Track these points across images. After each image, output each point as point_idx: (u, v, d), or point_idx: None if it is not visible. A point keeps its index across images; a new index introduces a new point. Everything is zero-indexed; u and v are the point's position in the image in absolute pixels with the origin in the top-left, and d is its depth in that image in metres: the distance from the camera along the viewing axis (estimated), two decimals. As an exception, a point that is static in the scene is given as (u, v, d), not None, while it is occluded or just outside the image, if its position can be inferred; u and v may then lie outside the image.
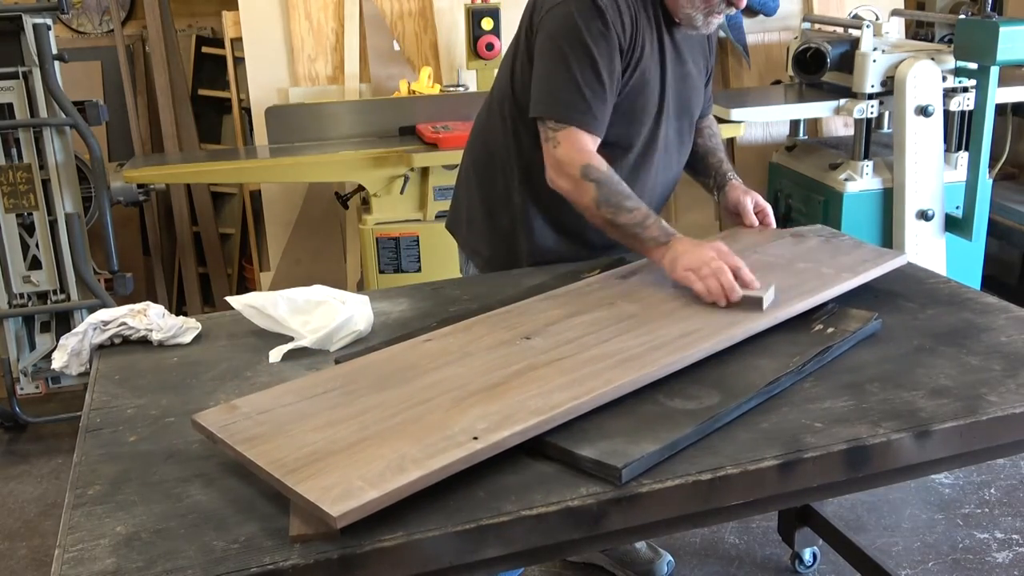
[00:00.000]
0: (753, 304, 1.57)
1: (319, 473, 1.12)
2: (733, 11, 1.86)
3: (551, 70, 1.80)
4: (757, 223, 2.02)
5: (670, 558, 2.39)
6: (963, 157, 3.33)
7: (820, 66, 3.38)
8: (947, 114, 3.28)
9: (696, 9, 1.83)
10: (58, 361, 1.62)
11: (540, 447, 1.23)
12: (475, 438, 1.19)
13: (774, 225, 2.04)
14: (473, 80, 3.59)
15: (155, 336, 1.67)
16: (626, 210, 1.75)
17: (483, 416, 1.24)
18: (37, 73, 3.03)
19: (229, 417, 1.27)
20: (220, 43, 3.98)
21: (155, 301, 1.69)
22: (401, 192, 3.09)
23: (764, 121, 3.91)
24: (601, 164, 1.78)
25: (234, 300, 1.71)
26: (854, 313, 1.62)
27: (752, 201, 2.03)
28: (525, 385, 1.33)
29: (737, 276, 1.60)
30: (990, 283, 3.71)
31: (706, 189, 2.16)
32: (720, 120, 3.28)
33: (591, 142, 1.80)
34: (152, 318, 1.67)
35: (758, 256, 1.82)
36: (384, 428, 1.22)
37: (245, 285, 4.14)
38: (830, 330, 1.56)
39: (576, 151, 1.78)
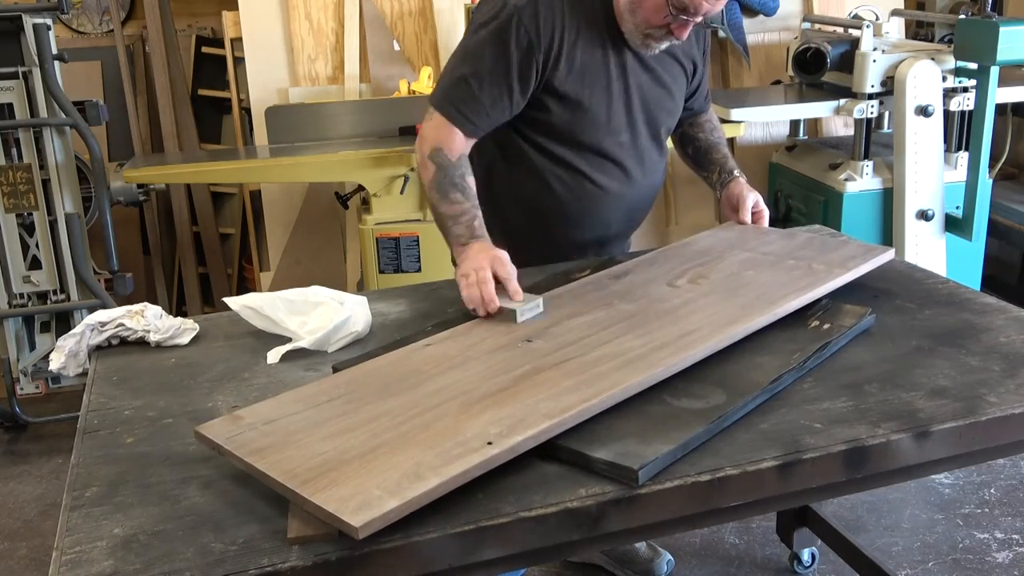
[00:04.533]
0: (507, 316, 1.57)
1: (334, 483, 1.11)
2: (676, 41, 1.84)
3: (452, 63, 1.85)
4: (749, 220, 2.03)
5: (669, 557, 2.39)
6: (963, 157, 3.33)
7: (820, 66, 3.38)
8: (947, 114, 3.28)
9: (636, 34, 1.82)
10: (56, 362, 1.62)
11: (551, 450, 1.23)
12: (490, 443, 1.18)
13: (766, 226, 2.04)
14: (473, 80, 3.58)
15: (153, 337, 1.67)
16: (449, 200, 1.77)
17: (495, 421, 1.24)
18: (37, 73, 3.03)
19: (234, 428, 1.26)
20: (220, 43, 3.98)
21: (155, 301, 1.69)
22: (401, 192, 3.10)
23: (764, 121, 3.90)
24: (452, 153, 1.79)
25: (232, 301, 1.71)
26: (848, 308, 1.63)
27: (753, 198, 2.04)
28: (533, 388, 1.32)
29: (505, 287, 1.62)
30: (990, 283, 3.71)
31: (708, 184, 2.16)
32: (720, 120, 3.28)
33: (457, 135, 1.80)
34: (150, 319, 1.67)
35: (748, 254, 1.83)
36: (395, 436, 1.22)
37: (245, 285, 4.14)
38: (826, 326, 1.57)
39: (437, 132, 1.80)
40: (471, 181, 1.80)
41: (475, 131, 1.83)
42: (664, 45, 1.86)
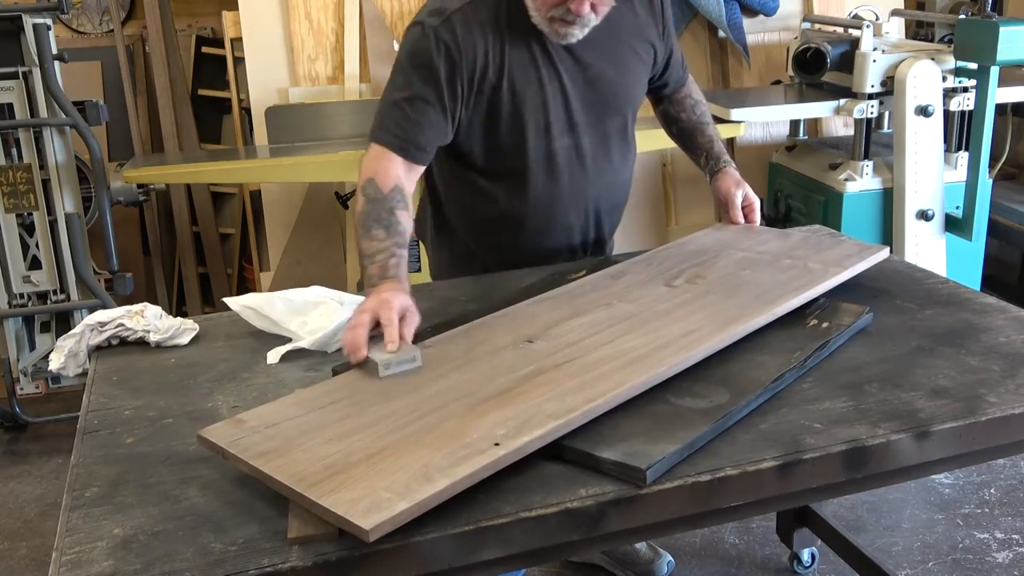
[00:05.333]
0: (371, 368, 1.41)
1: (342, 486, 1.11)
2: (578, 20, 1.73)
3: (385, 89, 1.82)
4: (742, 220, 2.01)
5: (670, 558, 2.39)
6: (963, 157, 3.33)
7: (820, 66, 3.38)
8: (947, 114, 3.28)
9: (544, 23, 1.75)
10: (55, 362, 1.62)
11: (557, 450, 1.23)
12: (497, 444, 1.18)
13: (759, 220, 2.02)
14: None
15: (152, 337, 1.66)
16: (369, 237, 1.65)
17: (501, 422, 1.23)
18: (37, 73, 3.04)
19: (237, 432, 1.25)
20: (220, 43, 3.98)
21: (155, 301, 1.69)
22: (401, 192, 3.09)
23: (764, 121, 3.90)
24: (384, 184, 1.69)
25: (231, 301, 1.71)
26: (846, 307, 1.63)
27: (742, 193, 2.01)
28: (536, 389, 1.32)
29: (384, 335, 1.44)
30: (990, 283, 3.71)
31: (697, 166, 2.14)
32: (720, 120, 3.28)
33: (395, 163, 1.73)
34: (149, 319, 1.67)
35: (744, 254, 1.83)
36: (400, 438, 1.21)
37: (245, 285, 4.14)
38: (825, 324, 1.57)
39: (372, 162, 1.74)
40: (402, 215, 1.68)
41: (416, 155, 1.76)
42: (576, 29, 1.75)
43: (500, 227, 1.97)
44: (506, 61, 1.79)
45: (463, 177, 1.94)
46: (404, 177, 1.74)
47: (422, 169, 1.80)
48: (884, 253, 1.85)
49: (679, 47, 2.12)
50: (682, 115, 2.14)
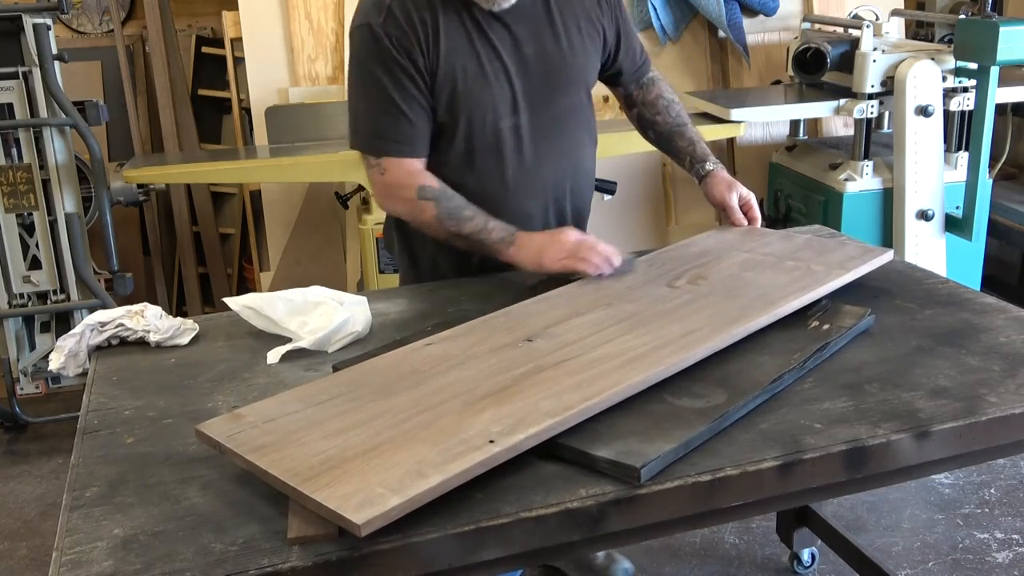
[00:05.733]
0: (627, 264, 1.74)
1: (336, 481, 1.11)
2: None
3: (352, 99, 1.84)
4: (745, 222, 1.99)
5: (627, 564, 2.36)
6: (963, 157, 3.33)
7: (820, 66, 3.38)
8: (947, 114, 3.28)
9: None
10: (55, 362, 1.62)
11: (553, 448, 1.23)
12: (491, 441, 1.18)
13: (759, 216, 2.00)
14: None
15: (152, 337, 1.66)
16: (467, 219, 1.78)
17: (496, 419, 1.23)
18: (37, 73, 3.04)
19: (235, 426, 1.26)
20: (220, 43, 3.98)
21: (155, 301, 1.69)
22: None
23: (764, 121, 3.90)
24: (434, 182, 1.80)
25: (232, 301, 1.71)
26: (848, 309, 1.63)
27: (737, 195, 1.99)
28: (534, 387, 1.32)
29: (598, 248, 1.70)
30: (990, 283, 3.71)
31: (682, 168, 2.11)
32: (720, 120, 3.29)
33: (415, 163, 1.81)
34: (149, 319, 1.67)
35: (748, 255, 1.83)
36: (396, 434, 1.22)
37: (245, 285, 4.14)
38: (826, 326, 1.57)
39: (406, 175, 1.80)
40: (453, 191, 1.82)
41: (413, 149, 1.81)
42: None
43: None
44: (443, 42, 1.77)
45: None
46: (420, 167, 1.82)
47: (422, 159, 1.84)
48: (888, 256, 1.84)
49: (636, 35, 2.07)
50: (657, 118, 2.09)
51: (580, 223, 2.04)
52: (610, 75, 2.06)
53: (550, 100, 1.89)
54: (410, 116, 1.78)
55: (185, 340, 1.69)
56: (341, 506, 1.06)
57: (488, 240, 1.79)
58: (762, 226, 2.01)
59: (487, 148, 1.86)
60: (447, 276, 1.98)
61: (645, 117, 2.11)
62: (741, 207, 1.99)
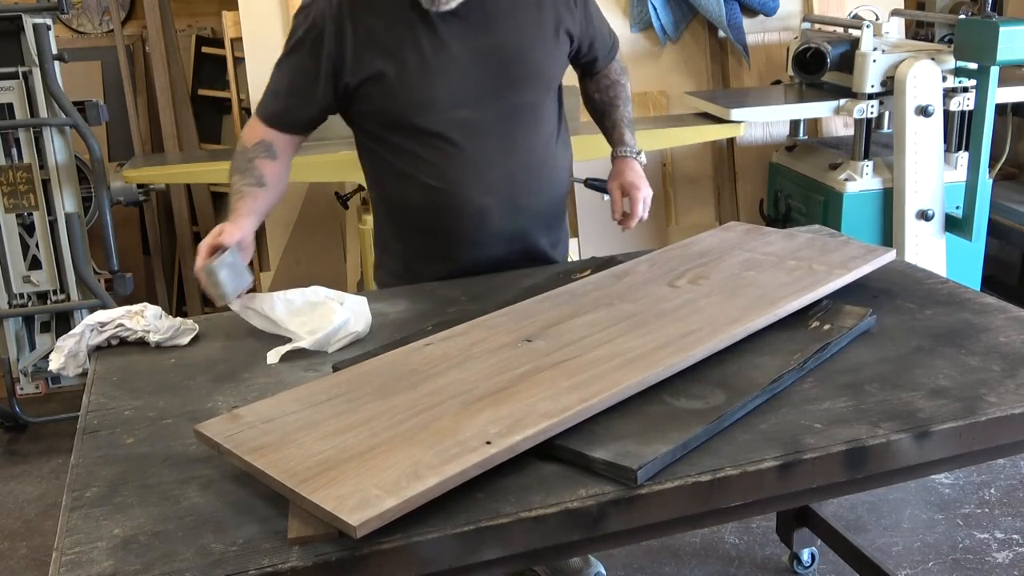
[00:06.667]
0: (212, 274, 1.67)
1: (332, 482, 1.11)
2: None
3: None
4: (617, 217, 2.00)
5: (600, 569, 2.35)
6: (963, 157, 3.33)
7: (820, 66, 3.38)
8: (947, 114, 3.28)
9: None
10: (55, 363, 1.62)
11: (550, 449, 1.23)
12: (488, 443, 1.18)
13: (638, 215, 1.99)
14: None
15: (152, 338, 1.66)
16: (231, 183, 1.85)
17: (494, 420, 1.24)
18: (37, 73, 3.04)
19: (233, 427, 1.26)
20: (220, 43, 3.98)
21: (155, 301, 1.69)
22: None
23: (764, 121, 3.90)
24: (249, 141, 1.87)
25: (232, 301, 1.71)
26: (849, 309, 1.63)
27: (619, 188, 2.00)
28: (532, 388, 1.32)
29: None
30: (990, 283, 3.71)
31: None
32: (720, 120, 3.29)
33: (267, 129, 1.88)
34: (149, 319, 1.67)
35: (749, 255, 1.83)
36: (394, 435, 1.22)
37: (245, 285, 4.13)
38: (827, 327, 1.57)
39: (250, 130, 1.90)
40: (260, 162, 1.84)
41: (273, 116, 1.87)
42: None
43: (414, 213, 1.94)
44: (382, 33, 1.78)
45: (378, 161, 1.94)
46: (265, 133, 1.87)
47: (294, 135, 1.90)
48: (890, 255, 1.84)
49: (605, 21, 2.05)
50: (595, 95, 2.10)
51: (544, 224, 2.01)
52: (585, 63, 2.05)
53: (504, 95, 1.85)
54: (281, 86, 1.87)
55: (185, 340, 1.69)
56: (337, 507, 1.06)
57: (230, 203, 1.83)
58: (762, 225, 2.01)
59: (434, 141, 1.85)
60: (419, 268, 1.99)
61: (586, 91, 2.13)
62: (632, 201, 1.99)
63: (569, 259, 2.12)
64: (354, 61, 1.79)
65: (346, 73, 1.81)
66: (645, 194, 2.00)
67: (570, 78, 2.09)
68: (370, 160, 1.98)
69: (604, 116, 2.10)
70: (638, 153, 2.06)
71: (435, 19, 1.78)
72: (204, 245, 1.68)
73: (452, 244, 1.95)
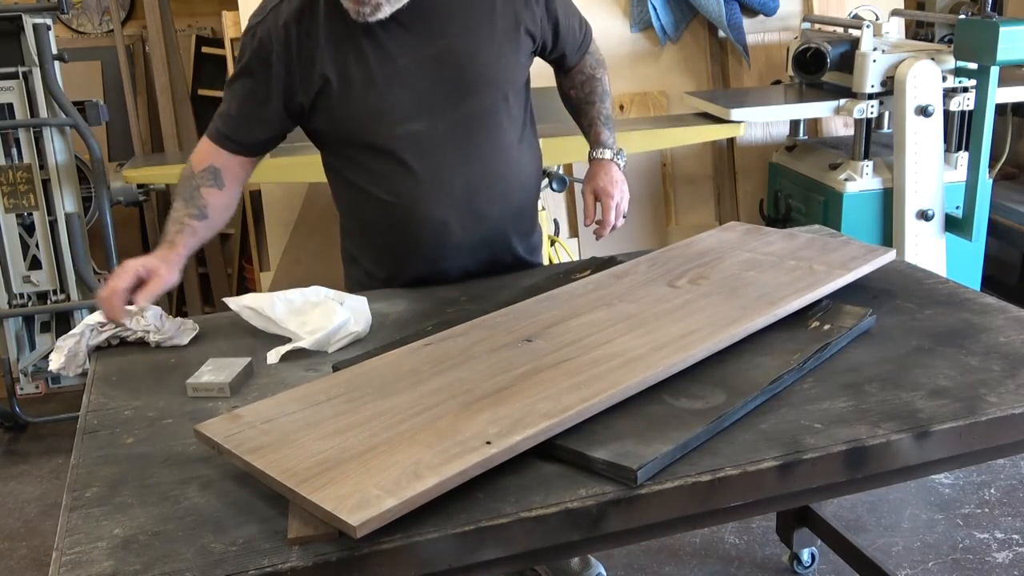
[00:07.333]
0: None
1: (332, 482, 1.11)
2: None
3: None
4: (590, 222, 1.95)
5: (600, 570, 2.35)
6: (963, 157, 3.33)
7: (820, 66, 3.38)
8: (947, 114, 3.28)
9: (347, 3, 1.67)
10: (55, 363, 1.62)
11: (550, 449, 1.23)
12: (488, 443, 1.18)
13: (611, 222, 1.95)
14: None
15: (153, 337, 1.66)
16: (171, 210, 1.81)
17: (494, 420, 1.23)
18: (37, 73, 3.04)
19: (233, 427, 1.26)
20: (220, 43, 3.98)
21: (155, 301, 1.69)
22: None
23: (764, 121, 3.90)
24: (197, 166, 1.82)
25: (231, 301, 1.71)
26: (848, 309, 1.63)
27: (592, 193, 1.96)
28: (532, 388, 1.32)
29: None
30: (990, 283, 3.71)
31: None
32: (720, 120, 3.29)
33: (217, 151, 1.83)
34: (150, 320, 1.67)
35: (749, 255, 1.83)
36: (394, 435, 1.22)
37: (245, 285, 4.14)
38: (827, 327, 1.57)
39: (199, 153, 1.85)
40: (206, 191, 1.80)
41: (223, 138, 1.82)
42: (368, 8, 1.66)
43: (374, 229, 1.92)
44: (326, 48, 1.74)
45: (338, 177, 1.93)
46: (214, 156, 1.83)
47: (246, 158, 1.85)
48: (890, 255, 1.84)
49: (574, 14, 1.96)
50: (571, 92, 2.04)
51: (513, 230, 1.96)
52: (554, 59, 1.99)
53: (457, 103, 1.79)
54: (230, 111, 1.82)
55: (185, 340, 1.69)
56: (337, 507, 1.06)
57: (163, 233, 1.79)
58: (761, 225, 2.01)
59: (387, 155, 1.81)
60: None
61: (562, 89, 2.07)
62: (603, 208, 1.95)
63: (567, 260, 2.12)
64: (303, 79, 1.76)
65: (296, 94, 1.77)
66: (618, 200, 1.94)
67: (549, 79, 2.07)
68: (332, 177, 1.96)
69: (580, 114, 2.04)
70: (617, 153, 2.00)
71: (377, 30, 1.72)
72: (130, 271, 1.65)
73: (412, 259, 1.91)
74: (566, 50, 1.96)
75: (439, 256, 1.91)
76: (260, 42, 1.75)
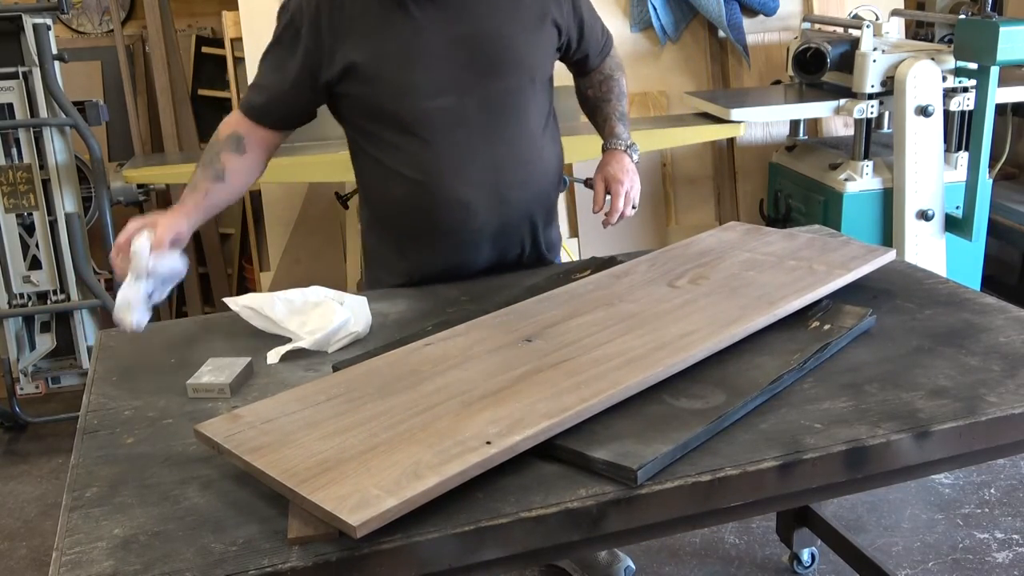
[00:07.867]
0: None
1: (332, 482, 1.11)
2: None
3: None
4: (599, 209, 1.94)
5: (629, 563, 2.34)
6: (963, 157, 3.33)
7: (820, 66, 3.38)
8: (947, 114, 3.28)
9: None
10: (130, 315, 1.53)
11: (550, 449, 1.23)
12: (488, 443, 1.18)
13: (619, 209, 1.94)
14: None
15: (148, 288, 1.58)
16: (194, 173, 1.85)
17: (494, 420, 1.24)
18: (37, 73, 3.04)
19: (233, 427, 1.26)
20: (220, 43, 3.98)
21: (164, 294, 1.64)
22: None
23: (764, 121, 3.90)
24: (222, 133, 1.88)
25: (231, 301, 1.71)
26: (849, 309, 1.63)
27: (602, 180, 1.96)
28: (532, 388, 1.32)
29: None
30: (990, 283, 3.71)
31: None
32: (720, 120, 3.29)
33: (243, 119, 1.89)
34: (137, 248, 1.58)
35: (749, 255, 1.83)
36: (394, 435, 1.22)
37: (245, 285, 4.14)
38: (827, 327, 1.57)
39: (228, 121, 1.92)
40: (225, 157, 1.85)
41: (250, 108, 1.87)
42: None
43: (398, 209, 1.91)
44: (358, 21, 1.76)
45: (364, 157, 1.93)
46: (240, 124, 1.88)
47: (271, 131, 1.90)
48: (890, 255, 1.84)
49: (597, 18, 2.03)
50: (588, 92, 2.08)
51: (535, 220, 1.97)
52: (577, 60, 2.03)
53: (487, 82, 1.81)
54: (260, 83, 1.87)
55: (182, 266, 1.63)
56: (337, 507, 1.06)
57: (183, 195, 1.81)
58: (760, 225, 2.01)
59: (413, 132, 1.82)
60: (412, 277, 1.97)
61: (580, 90, 2.11)
62: (612, 195, 1.95)
63: (567, 260, 2.12)
64: (331, 55, 1.78)
65: (324, 69, 1.80)
66: (628, 188, 1.94)
67: (567, 78, 2.08)
68: (357, 157, 1.96)
69: (596, 112, 2.07)
70: (630, 146, 2.01)
71: (411, 6, 1.76)
72: (130, 229, 1.61)
73: (437, 241, 1.90)
74: (589, 51, 2.00)
75: (461, 241, 1.90)
76: (291, 18, 1.80)
